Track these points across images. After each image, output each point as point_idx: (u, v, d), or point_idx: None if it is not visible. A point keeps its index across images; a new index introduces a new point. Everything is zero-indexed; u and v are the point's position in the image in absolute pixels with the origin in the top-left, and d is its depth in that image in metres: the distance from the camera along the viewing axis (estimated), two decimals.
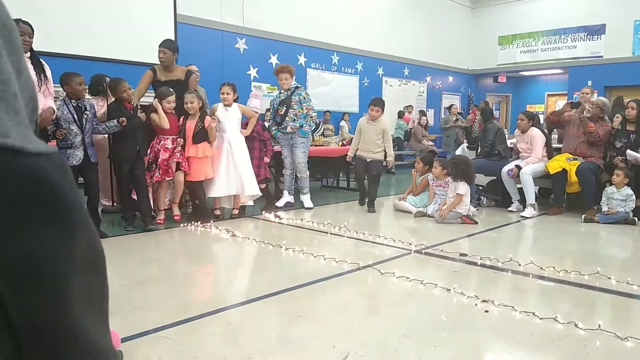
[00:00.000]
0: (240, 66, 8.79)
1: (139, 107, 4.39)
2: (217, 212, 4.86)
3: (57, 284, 0.44)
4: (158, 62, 4.75)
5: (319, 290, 2.78)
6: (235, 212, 4.92)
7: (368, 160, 5.35)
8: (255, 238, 3.94)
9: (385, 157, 5.42)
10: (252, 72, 9.04)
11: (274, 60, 9.31)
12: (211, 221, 4.48)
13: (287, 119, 5.31)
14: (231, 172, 4.71)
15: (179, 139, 4.46)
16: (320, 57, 10.31)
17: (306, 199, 5.51)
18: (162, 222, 4.45)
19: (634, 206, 4.74)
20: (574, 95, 10.58)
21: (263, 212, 5.04)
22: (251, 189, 4.82)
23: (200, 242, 3.94)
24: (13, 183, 0.40)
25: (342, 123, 10.40)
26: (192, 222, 4.41)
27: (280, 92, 5.42)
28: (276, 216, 4.87)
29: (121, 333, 2.01)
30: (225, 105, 4.79)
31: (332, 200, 6.22)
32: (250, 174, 4.83)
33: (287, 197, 5.48)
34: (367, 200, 5.47)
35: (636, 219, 4.67)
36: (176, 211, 4.62)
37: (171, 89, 4.44)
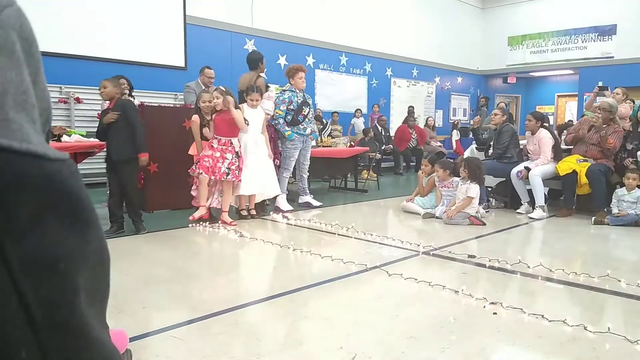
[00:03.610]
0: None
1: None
2: (244, 213, 4.84)
3: (71, 280, 0.47)
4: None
5: (326, 291, 2.78)
6: (253, 212, 4.93)
7: None
8: (263, 239, 3.95)
9: None
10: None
11: (282, 61, 9.33)
12: (219, 222, 4.49)
13: (306, 120, 5.34)
14: (257, 171, 4.76)
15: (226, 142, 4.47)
16: (328, 57, 10.31)
17: (311, 199, 5.56)
18: (205, 216, 4.46)
19: None
20: (584, 96, 10.50)
21: (271, 213, 5.05)
22: (274, 189, 4.93)
23: (209, 243, 3.96)
24: (36, 185, 0.44)
25: (354, 120, 10.37)
26: (200, 223, 4.43)
27: (294, 92, 5.31)
28: (284, 217, 4.88)
29: (130, 332, 2.03)
30: (248, 106, 4.82)
31: (339, 201, 6.22)
32: (272, 173, 4.93)
33: (285, 200, 5.38)
34: None
35: None
36: (226, 218, 4.50)
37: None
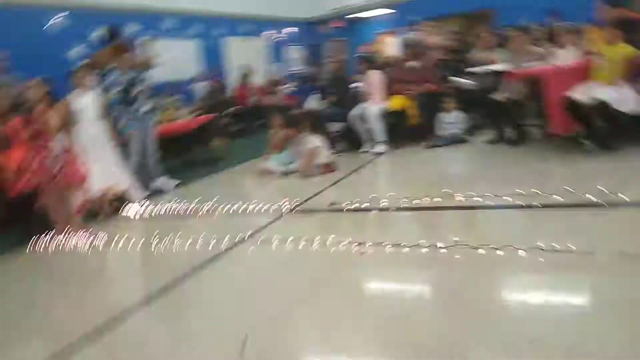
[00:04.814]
0: (58, 47, 7.76)
1: None
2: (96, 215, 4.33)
3: None
4: None
5: (201, 277, 2.72)
6: (115, 203, 4.46)
7: None
8: (120, 239, 3.53)
9: None
10: (76, 52, 8.04)
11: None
12: (46, 232, 3.75)
13: (138, 100, 4.89)
14: (105, 165, 4.33)
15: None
16: (151, 25, 9.55)
17: (166, 180, 5.25)
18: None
19: (466, 127, 5.40)
20: (401, 31, 11.39)
21: (123, 208, 4.64)
22: (125, 181, 4.55)
23: (57, 260, 3.49)
24: None
25: (194, 86, 9.93)
26: (33, 238, 3.72)
27: (119, 71, 4.83)
28: (139, 208, 4.52)
29: None
30: (81, 91, 4.27)
31: (196, 177, 5.87)
32: (120, 165, 4.55)
33: (136, 190, 5.01)
34: None
35: (466, 137, 5.34)
36: (74, 226, 3.86)
37: None
